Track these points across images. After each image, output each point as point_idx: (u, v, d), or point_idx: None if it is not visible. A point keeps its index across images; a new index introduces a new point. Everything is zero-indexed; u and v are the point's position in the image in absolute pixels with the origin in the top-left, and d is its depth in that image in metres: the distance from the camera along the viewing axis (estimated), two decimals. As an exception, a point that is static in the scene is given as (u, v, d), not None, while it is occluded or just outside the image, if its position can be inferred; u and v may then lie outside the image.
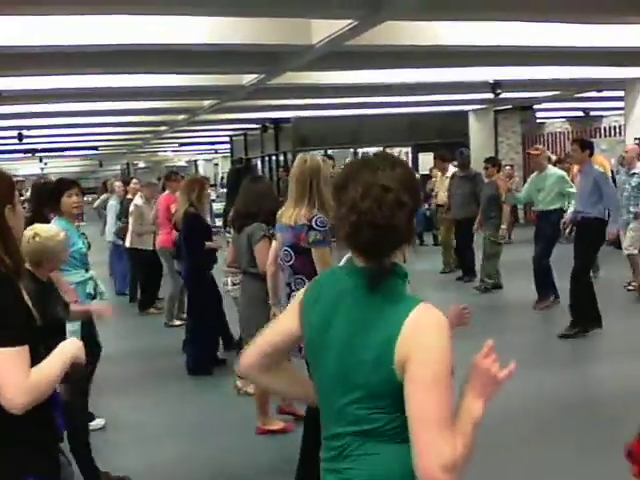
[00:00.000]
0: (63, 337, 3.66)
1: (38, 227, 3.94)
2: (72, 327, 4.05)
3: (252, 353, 2.11)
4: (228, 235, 6.72)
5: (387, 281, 1.87)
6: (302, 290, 2.09)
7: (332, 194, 1.92)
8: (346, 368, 1.87)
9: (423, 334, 1.79)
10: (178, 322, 8.94)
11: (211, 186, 17.07)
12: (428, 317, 1.83)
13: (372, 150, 22.19)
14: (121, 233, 11.00)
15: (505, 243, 11.24)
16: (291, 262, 4.38)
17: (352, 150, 21.62)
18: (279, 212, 4.47)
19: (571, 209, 8.56)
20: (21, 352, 2.18)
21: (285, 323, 2.08)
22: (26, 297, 2.28)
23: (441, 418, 1.74)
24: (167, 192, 9.56)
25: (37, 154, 28.96)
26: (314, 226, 4.17)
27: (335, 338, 1.90)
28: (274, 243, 4.70)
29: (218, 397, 6.48)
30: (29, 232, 3.79)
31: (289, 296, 4.42)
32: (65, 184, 5.32)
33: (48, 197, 5.37)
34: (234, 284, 6.36)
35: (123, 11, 7.68)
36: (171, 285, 9.12)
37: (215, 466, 5.03)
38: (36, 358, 2.26)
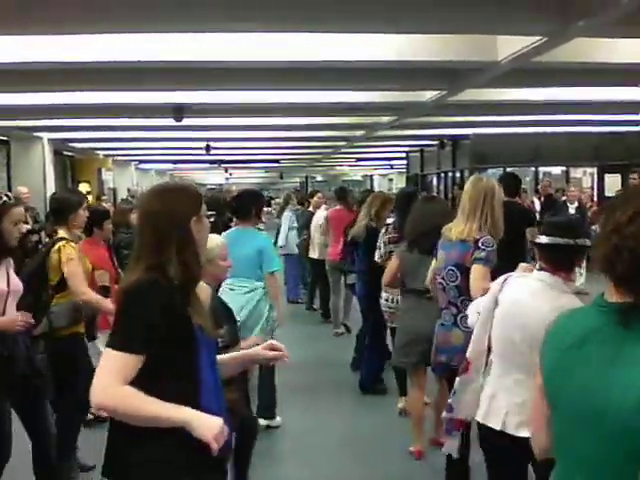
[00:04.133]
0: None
1: None
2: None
3: (543, 435, 1.96)
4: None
5: None
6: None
7: (603, 215, 1.77)
8: (592, 411, 1.70)
9: None
10: (341, 330, 9.46)
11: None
12: None
13: (554, 170, 21.53)
14: (302, 244, 11.36)
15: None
16: (457, 282, 4.33)
17: (533, 169, 20.98)
18: (445, 228, 4.41)
19: None
20: (127, 359, 2.25)
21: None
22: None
23: None
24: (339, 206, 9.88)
25: (223, 165, 30.38)
26: (480, 245, 4.17)
27: (580, 380, 1.75)
28: (433, 262, 4.61)
29: (384, 415, 6.45)
30: None
31: (455, 317, 4.40)
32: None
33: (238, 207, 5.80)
34: (397, 302, 6.22)
35: (308, 29, 7.86)
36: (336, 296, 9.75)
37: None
38: (180, 368, 2.33)
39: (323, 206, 10.93)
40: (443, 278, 4.41)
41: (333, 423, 6.33)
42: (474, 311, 3.45)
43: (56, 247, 4.67)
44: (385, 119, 15.71)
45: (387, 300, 6.39)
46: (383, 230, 6.67)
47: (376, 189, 32.20)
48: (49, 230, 4.90)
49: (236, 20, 7.06)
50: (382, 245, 6.48)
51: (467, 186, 4.41)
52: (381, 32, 8.16)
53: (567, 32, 7.31)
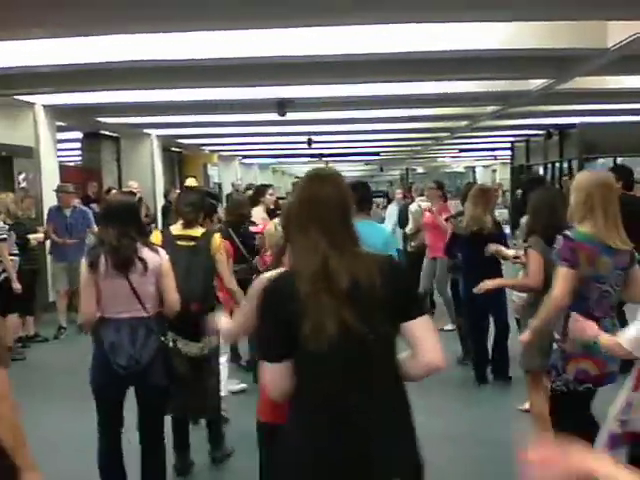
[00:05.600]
0: None
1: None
2: None
3: None
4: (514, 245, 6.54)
5: None
6: None
7: None
8: None
9: None
10: (449, 326, 9.04)
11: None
12: None
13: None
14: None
15: None
16: (621, 286, 3.95)
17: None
18: (598, 233, 3.91)
19: None
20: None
21: None
22: None
23: None
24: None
25: (323, 158, 30.56)
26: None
27: None
28: (563, 270, 3.90)
29: (494, 410, 6.45)
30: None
31: (614, 324, 4.01)
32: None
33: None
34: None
35: (410, 20, 7.79)
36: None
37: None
38: None
39: (419, 198, 10.82)
40: (611, 285, 3.93)
41: (442, 418, 6.28)
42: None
43: (216, 237, 5.01)
44: (490, 109, 15.44)
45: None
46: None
47: (479, 181, 31.71)
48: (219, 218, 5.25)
49: (336, 15, 7.09)
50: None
51: (596, 187, 3.96)
52: (488, 20, 8.00)
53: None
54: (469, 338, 7.48)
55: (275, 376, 2.37)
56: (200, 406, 4.98)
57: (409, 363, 2.45)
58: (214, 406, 5.12)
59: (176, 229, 5.06)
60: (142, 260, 4.12)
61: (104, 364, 4.13)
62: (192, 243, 4.89)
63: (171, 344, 4.44)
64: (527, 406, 5.85)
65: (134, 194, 9.62)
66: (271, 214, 8.48)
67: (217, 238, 5.02)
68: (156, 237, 5.00)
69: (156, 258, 4.19)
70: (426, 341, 2.40)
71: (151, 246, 4.25)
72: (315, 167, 2.78)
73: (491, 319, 7.25)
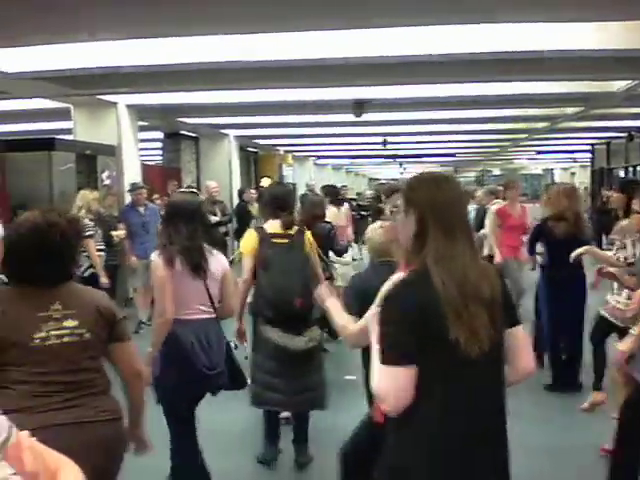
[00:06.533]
0: None
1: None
2: None
3: None
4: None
5: None
6: None
7: None
8: None
9: None
10: None
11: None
12: None
13: None
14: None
15: None
16: None
17: None
18: None
19: None
20: None
21: None
22: None
23: None
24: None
25: (398, 159, 30.48)
26: None
27: None
28: None
29: (567, 416, 6.29)
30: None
31: None
32: None
33: None
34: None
35: (486, 20, 7.70)
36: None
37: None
38: None
39: (495, 201, 10.60)
40: None
41: (514, 424, 6.17)
42: None
43: (308, 234, 5.21)
44: (570, 110, 15.12)
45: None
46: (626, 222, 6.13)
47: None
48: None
49: (413, 15, 7.06)
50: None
51: None
52: (570, 21, 7.84)
53: None
54: (545, 339, 7.28)
55: (400, 381, 2.25)
56: (303, 400, 4.96)
57: (508, 369, 2.49)
58: (322, 398, 5.07)
59: (272, 227, 5.07)
60: (208, 263, 4.17)
61: (184, 365, 4.03)
62: (286, 240, 4.98)
63: (277, 341, 4.67)
64: None
65: (196, 194, 9.71)
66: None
67: (309, 235, 5.22)
68: (251, 237, 5.07)
69: (218, 262, 4.26)
70: (525, 348, 2.53)
71: (211, 250, 4.25)
72: (426, 171, 2.89)
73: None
